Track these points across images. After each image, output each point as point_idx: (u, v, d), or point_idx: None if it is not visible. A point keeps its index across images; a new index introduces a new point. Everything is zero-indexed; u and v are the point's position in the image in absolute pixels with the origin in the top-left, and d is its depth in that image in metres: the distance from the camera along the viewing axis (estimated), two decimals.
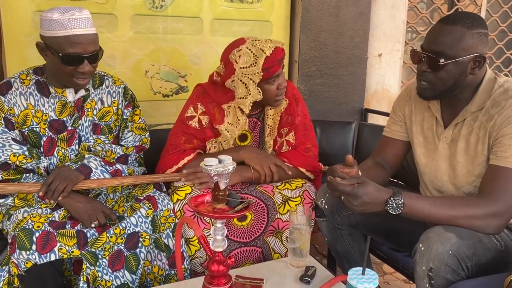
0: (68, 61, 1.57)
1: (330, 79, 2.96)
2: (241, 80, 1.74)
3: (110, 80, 1.84)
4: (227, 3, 2.62)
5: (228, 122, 1.83)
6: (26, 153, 1.62)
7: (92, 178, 1.67)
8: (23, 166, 1.63)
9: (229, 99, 1.81)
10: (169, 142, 1.91)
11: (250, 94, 1.75)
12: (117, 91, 1.84)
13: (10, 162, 1.60)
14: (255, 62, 1.71)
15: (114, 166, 1.75)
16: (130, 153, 1.84)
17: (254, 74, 1.72)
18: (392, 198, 1.36)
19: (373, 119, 3.15)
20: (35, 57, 1.80)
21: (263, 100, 1.81)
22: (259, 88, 1.76)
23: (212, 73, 1.89)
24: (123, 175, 1.76)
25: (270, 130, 1.93)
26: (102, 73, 1.85)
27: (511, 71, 4.02)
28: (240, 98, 1.77)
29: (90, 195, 1.75)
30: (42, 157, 1.69)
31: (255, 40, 1.75)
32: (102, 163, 1.72)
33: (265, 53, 1.71)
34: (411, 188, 1.95)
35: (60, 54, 1.55)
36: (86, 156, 1.71)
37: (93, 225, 1.61)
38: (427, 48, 1.44)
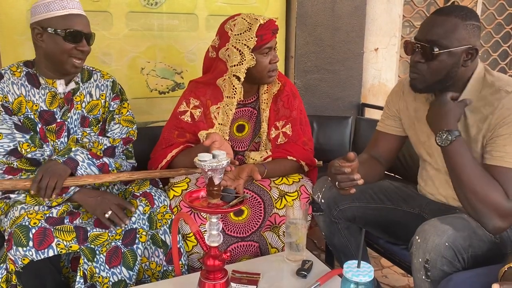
0: (70, 38, 1.61)
1: (327, 74, 2.96)
2: (235, 47, 1.79)
3: (99, 74, 1.85)
4: None
5: (226, 96, 1.86)
6: (29, 141, 1.64)
7: (78, 171, 1.66)
8: (28, 156, 1.63)
9: (222, 72, 1.84)
10: (163, 137, 1.92)
11: (244, 60, 1.79)
12: (105, 85, 1.85)
13: (19, 149, 1.62)
14: (250, 29, 1.77)
15: (101, 160, 1.74)
16: (117, 144, 1.84)
17: (249, 39, 1.77)
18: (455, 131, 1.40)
19: (370, 113, 3.16)
20: (30, 55, 1.81)
21: (256, 74, 1.83)
22: (253, 54, 1.79)
23: (207, 51, 1.94)
24: (109, 168, 1.75)
25: (265, 115, 1.94)
26: (91, 68, 1.85)
27: (508, 64, 4.02)
28: (234, 65, 1.80)
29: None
30: (44, 146, 1.69)
31: (250, 13, 1.84)
32: (89, 156, 1.71)
33: (259, 21, 1.78)
34: (408, 181, 1.96)
35: (64, 30, 1.59)
36: (73, 149, 1.70)
37: (107, 216, 1.59)
38: (421, 38, 1.44)
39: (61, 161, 1.64)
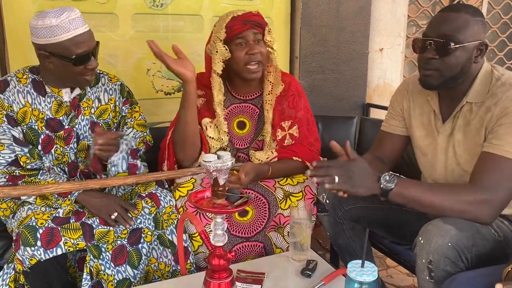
0: (79, 62, 1.60)
1: (332, 74, 2.97)
2: (212, 41, 1.83)
3: (106, 78, 1.85)
4: (227, 0, 2.63)
5: (216, 100, 1.88)
6: (28, 154, 1.65)
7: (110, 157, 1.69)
8: (28, 167, 1.65)
9: (210, 69, 1.88)
10: (170, 129, 1.92)
11: (217, 52, 1.81)
12: (113, 88, 1.85)
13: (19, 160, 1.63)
14: (223, 21, 1.81)
15: (135, 160, 1.78)
16: (141, 148, 1.87)
17: (218, 31, 1.81)
18: (385, 174, 1.40)
19: (375, 113, 3.15)
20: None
21: (235, 67, 1.85)
22: (226, 47, 1.81)
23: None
24: (137, 172, 1.77)
25: (269, 116, 1.94)
26: (98, 71, 1.85)
27: None
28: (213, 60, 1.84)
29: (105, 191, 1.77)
30: (44, 158, 1.70)
31: (240, 9, 1.86)
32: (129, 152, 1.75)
33: (234, 13, 1.80)
34: None
35: (73, 57, 1.57)
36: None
37: (113, 217, 1.61)
38: (433, 35, 1.44)
39: None
